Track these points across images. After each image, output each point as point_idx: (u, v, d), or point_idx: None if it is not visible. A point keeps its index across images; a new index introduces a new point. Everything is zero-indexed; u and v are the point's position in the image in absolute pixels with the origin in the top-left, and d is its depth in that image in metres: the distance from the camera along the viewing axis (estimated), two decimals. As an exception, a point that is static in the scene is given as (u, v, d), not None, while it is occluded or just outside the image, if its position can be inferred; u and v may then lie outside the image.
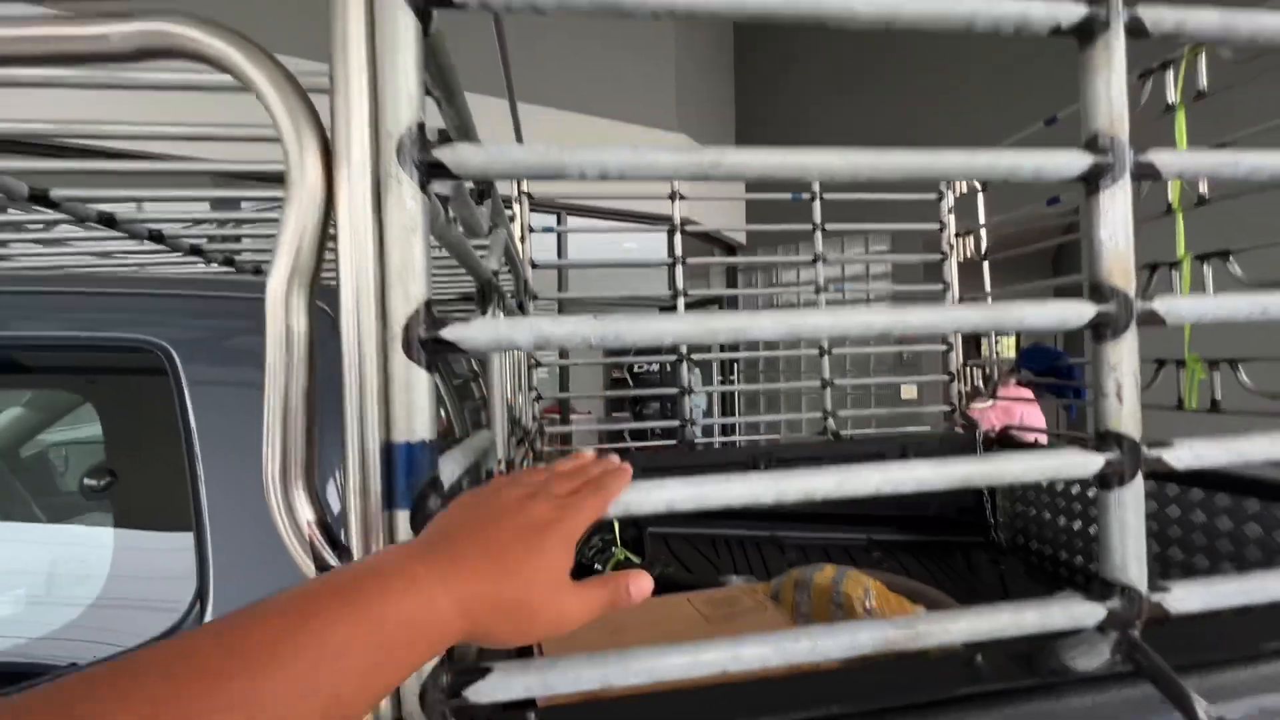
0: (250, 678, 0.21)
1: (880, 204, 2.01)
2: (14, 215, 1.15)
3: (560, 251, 3.21)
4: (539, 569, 0.30)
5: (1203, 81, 1.33)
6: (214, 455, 0.57)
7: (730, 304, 4.53)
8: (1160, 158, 0.44)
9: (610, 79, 3.81)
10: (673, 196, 2.04)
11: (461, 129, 0.55)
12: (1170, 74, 1.36)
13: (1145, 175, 0.44)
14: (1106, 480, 0.42)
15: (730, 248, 4.84)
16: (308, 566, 0.36)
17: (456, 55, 0.46)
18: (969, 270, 2.15)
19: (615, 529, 1.62)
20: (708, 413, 3.78)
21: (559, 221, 3.19)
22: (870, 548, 1.71)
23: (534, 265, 1.93)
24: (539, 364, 1.96)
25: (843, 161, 0.40)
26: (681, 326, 0.44)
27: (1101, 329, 0.43)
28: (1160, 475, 0.44)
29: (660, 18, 0.39)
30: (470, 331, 0.36)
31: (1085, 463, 0.42)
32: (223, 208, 1.64)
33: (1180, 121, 1.35)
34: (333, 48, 0.36)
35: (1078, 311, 0.43)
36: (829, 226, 2.10)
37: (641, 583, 0.33)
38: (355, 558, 0.36)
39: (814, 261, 2.08)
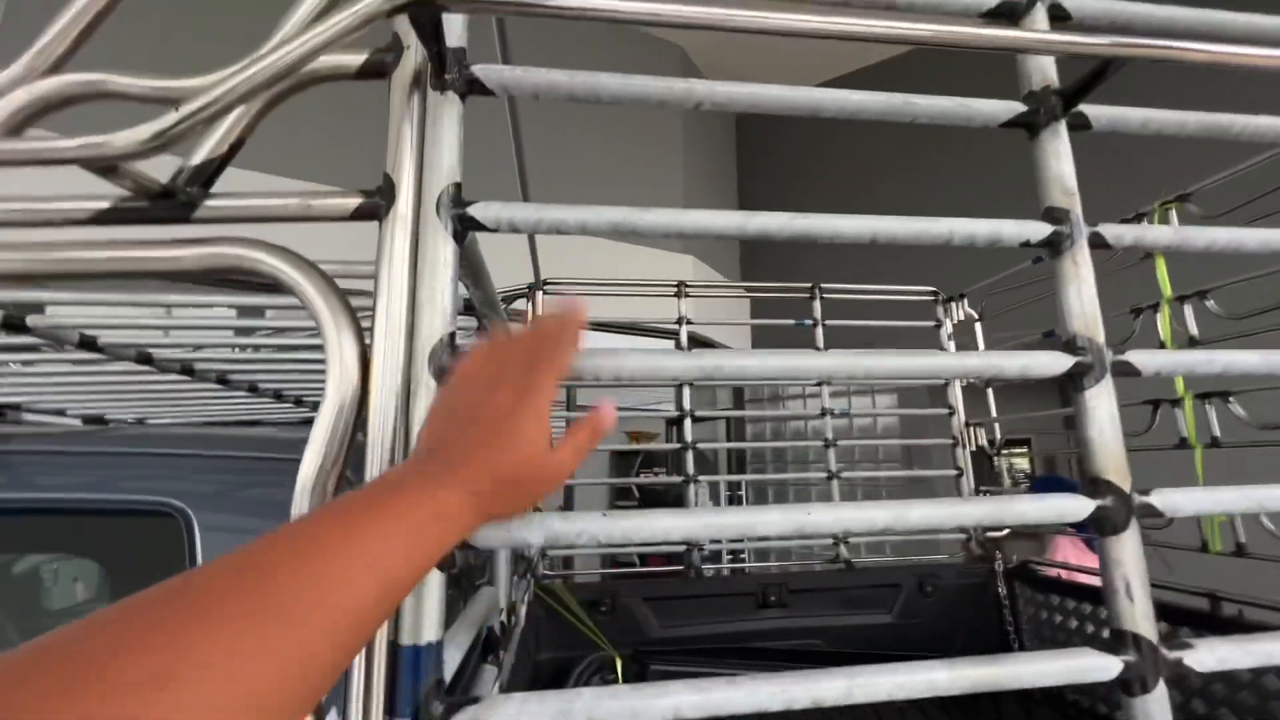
0: (326, 561, 0.26)
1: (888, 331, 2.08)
2: None
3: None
4: (523, 447, 0.34)
5: (1193, 328, 1.41)
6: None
7: (740, 432, 4.55)
8: (1138, 357, 0.47)
9: (622, 205, 4.10)
10: (679, 294, 2.11)
11: (487, 303, 0.60)
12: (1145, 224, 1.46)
13: (1125, 373, 0.47)
14: (1128, 686, 0.41)
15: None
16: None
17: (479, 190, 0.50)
18: (973, 394, 2.18)
19: (618, 668, 1.53)
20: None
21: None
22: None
23: None
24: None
25: (834, 363, 0.43)
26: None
27: (1103, 523, 0.44)
28: (1180, 681, 0.42)
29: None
30: (483, 537, 0.37)
31: (1103, 666, 0.41)
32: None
33: (1161, 268, 1.43)
34: (379, 265, 0.40)
35: (1076, 507, 0.44)
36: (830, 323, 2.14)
37: (605, 411, 0.38)
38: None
39: (822, 415, 2.11)
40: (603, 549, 2.29)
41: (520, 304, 2.02)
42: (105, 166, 0.37)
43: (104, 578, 0.63)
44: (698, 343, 3.75)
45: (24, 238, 0.41)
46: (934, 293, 2.25)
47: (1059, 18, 0.53)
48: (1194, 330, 1.40)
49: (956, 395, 2.12)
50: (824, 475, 2.06)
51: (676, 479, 1.98)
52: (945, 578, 1.87)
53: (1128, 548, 0.43)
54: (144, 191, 0.40)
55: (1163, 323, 1.45)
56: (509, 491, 0.34)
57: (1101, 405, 0.45)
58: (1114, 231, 0.49)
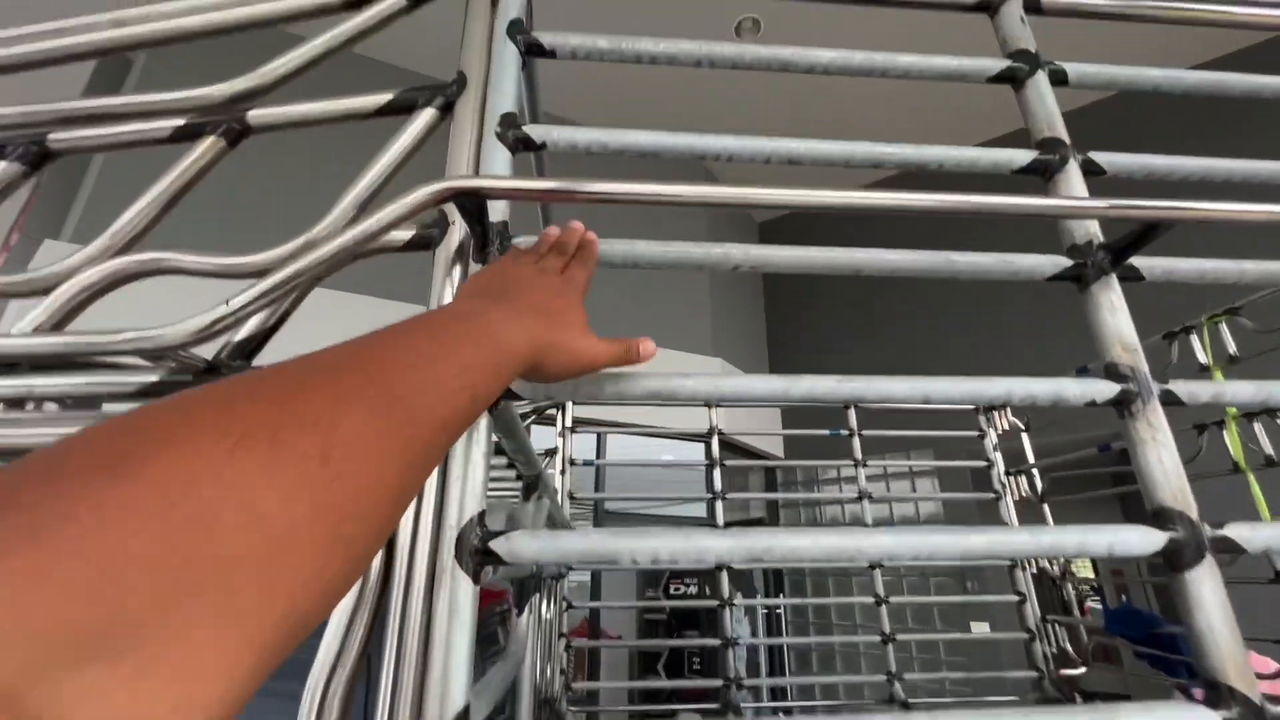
0: (434, 368, 0.26)
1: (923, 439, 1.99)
2: None
3: (598, 475, 3.23)
4: (572, 319, 0.37)
5: (1231, 346, 1.36)
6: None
7: (771, 511, 4.34)
8: (1237, 531, 0.42)
9: (653, 309, 4.20)
10: (710, 403, 2.08)
11: (520, 452, 0.58)
12: (1194, 338, 1.41)
13: (1226, 549, 0.41)
14: None
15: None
16: None
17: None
18: (1027, 508, 2.04)
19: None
20: (754, 654, 3.36)
21: (598, 444, 3.26)
22: None
23: (572, 463, 1.93)
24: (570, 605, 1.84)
25: (893, 541, 0.39)
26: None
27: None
28: None
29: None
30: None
31: None
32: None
33: (1233, 432, 1.35)
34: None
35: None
36: (867, 433, 2.05)
37: (648, 346, 0.40)
38: None
39: (855, 465, 2.02)
40: (631, 684, 2.10)
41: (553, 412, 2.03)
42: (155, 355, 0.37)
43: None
44: (728, 448, 3.67)
45: (76, 413, 0.41)
46: (977, 406, 2.18)
47: (1093, 172, 0.54)
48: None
49: (1010, 514, 1.98)
50: (871, 600, 1.90)
51: (711, 602, 1.85)
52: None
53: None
54: (189, 368, 0.40)
55: (1232, 439, 1.36)
56: (552, 357, 0.36)
57: (1206, 589, 0.39)
58: (1188, 389, 0.45)
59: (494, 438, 0.43)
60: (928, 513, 2.92)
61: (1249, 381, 0.46)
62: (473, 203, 0.39)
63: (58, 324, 0.43)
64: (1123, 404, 0.45)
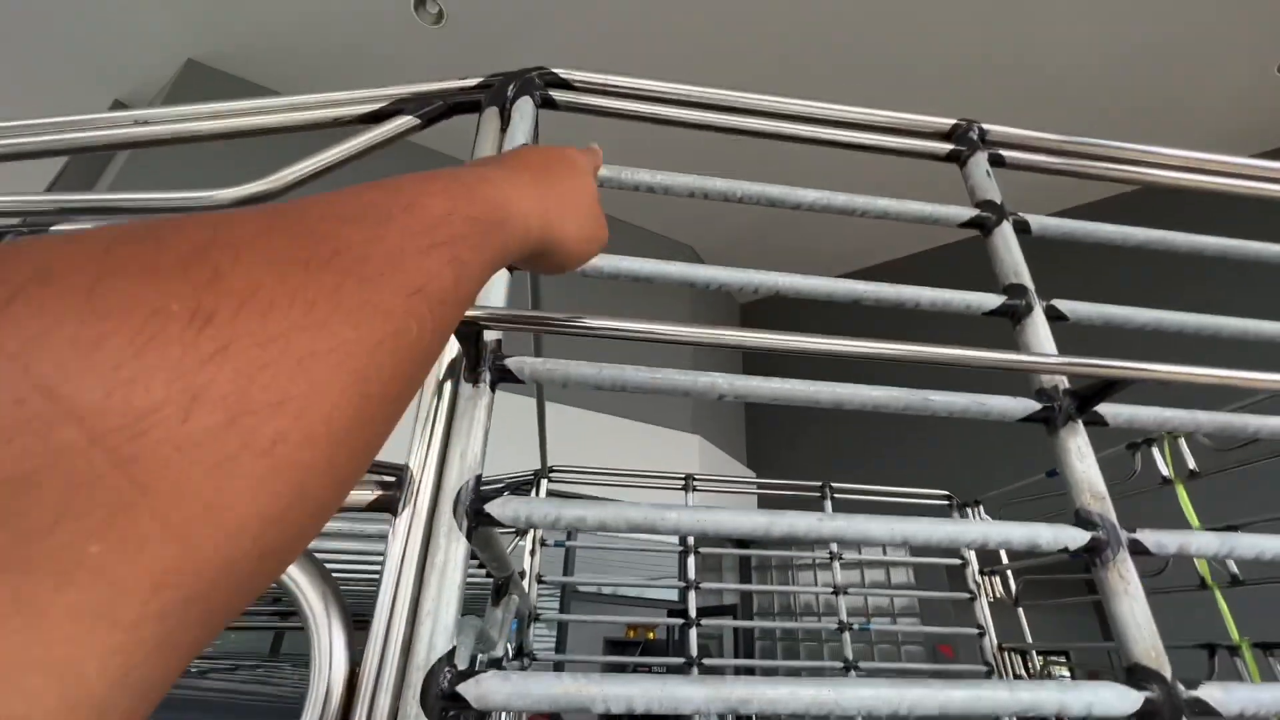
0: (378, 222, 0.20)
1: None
2: None
3: (568, 555, 3.13)
4: (585, 191, 0.35)
5: (1191, 462, 1.41)
6: None
7: (745, 603, 4.21)
8: (1209, 692, 0.42)
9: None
10: (686, 487, 2.05)
11: (501, 568, 0.57)
12: (1156, 450, 1.45)
13: (1202, 713, 0.41)
14: None
15: (744, 548, 4.71)
16: None
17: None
18: (1001, 609, 2.01)
19: None
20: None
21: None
22: None
23: (543, 544, 1.87)
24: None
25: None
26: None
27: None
28: None
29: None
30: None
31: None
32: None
33: (1183, 496, 1.39)
34: (386, 566, 0.38)
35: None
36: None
37: (594, 150, 0.40)
38: None
39: (830, 559, 1.98)
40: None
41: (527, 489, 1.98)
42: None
43: None
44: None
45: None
46: (948, 497, 2.19)
47: (1056, 318, 0.57)
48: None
49: (985, 615, 1.95)
50: (840, 666, 1.83)
51: (678, 659, 1.76)
52: None
53: None
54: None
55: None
56: (562, 227, 0.31)
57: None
58: (1155, 539, 0.47)
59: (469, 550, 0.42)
60: (901, 605, 2.86)
61: (1214, 533, 0.48)
62: (470, 331, 0.40)
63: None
64: (1093, 552, 0.46)
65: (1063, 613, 3.03)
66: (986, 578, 2.03)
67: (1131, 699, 0.40)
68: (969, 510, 2.15)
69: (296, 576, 0.38)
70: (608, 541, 2.20)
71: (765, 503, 3.72)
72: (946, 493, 2.19)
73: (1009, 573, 2.00)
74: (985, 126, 0.67)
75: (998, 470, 1.99)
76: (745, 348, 0.41)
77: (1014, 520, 0.46)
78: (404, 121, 0.58)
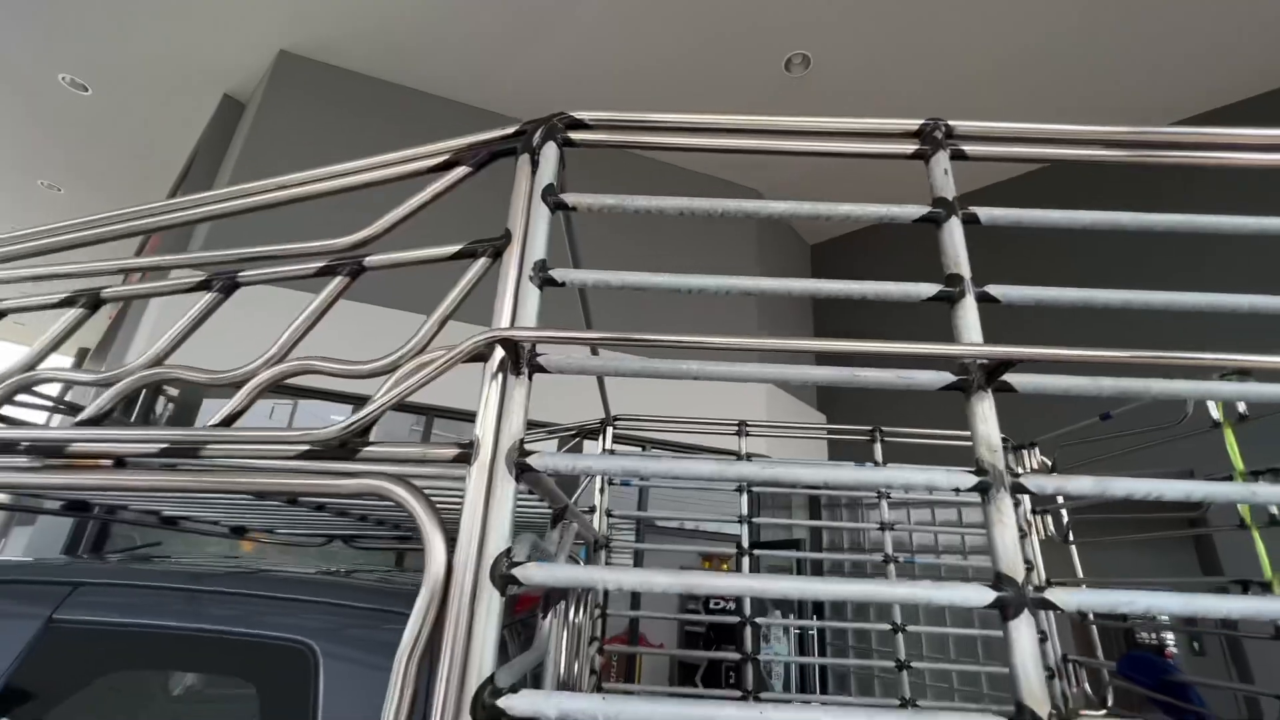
0: None
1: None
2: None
3: (641, 493, 3.42)
4: None
5: (1241, 406, 1.40)
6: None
7: (814, 538, 4.41)
8: (1057, 595, 0.56)
9: (700, 325, 4.37)
10: (740, 433, 2.23)
11: (555, 500, 0.78)
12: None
13: (1045, 607, 0.55)
14: None
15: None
16: None
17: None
18: (1052, 548, 2.07)
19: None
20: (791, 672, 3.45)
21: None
22: None
23: (610, 483, 2.13)
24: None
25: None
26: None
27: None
28: None
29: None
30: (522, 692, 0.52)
31: None
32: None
33: (1229, 439, 1.40)
34: (467, 496, 0.59)
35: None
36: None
37: None
38: None
39: (879, 496, 2.12)
40: (655, 689, 2.27)
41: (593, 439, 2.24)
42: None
43: (252, 698, 0.82)
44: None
45: (259, 462, 0.64)
46: (1004, 439, 2.23)
47: (988, 300, 0.68)
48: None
49: (1035, 551, 2.02)
50: (889, 627, 1.99)
51: (732, 619, 2.00)
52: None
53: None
54: (327, 443, 0.62)
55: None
56: None
57: (1023, 635, 0.54)
58: (1036, 482, 0.60)
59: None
60: (949, 543, 2.93)
61: (1091, 477, 0.60)
62: (513, 345, 0.59)
63: (239, 412, 0.67)
64: (983, 492, 0.59)
65: (1114, 552, 2.98)
66: (1037, 517, 2.08)
67: (988, 595, 0.55)
68: (1024, 453, 2.19)
69: (415, 508, 0.60)
70: (670, 482, 2.43)
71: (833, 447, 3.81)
72: (1003, 435, 2.23)
73: (1062, 512, 2.05)
74: (951, 123, 0.76)
75: (1052, 414, 2.00)
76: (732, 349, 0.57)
77: (1074, 463, 0.61)
78: (460, 171, 0.76)
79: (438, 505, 0.62)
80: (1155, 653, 3.03)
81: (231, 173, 4.11)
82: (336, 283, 0.71)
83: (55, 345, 0.75)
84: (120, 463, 0.68)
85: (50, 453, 0.68)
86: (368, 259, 0.72)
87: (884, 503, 2.14)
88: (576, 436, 2.36)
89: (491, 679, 0.53)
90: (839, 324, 5.66)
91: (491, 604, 0.56)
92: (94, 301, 0.76)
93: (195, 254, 0.74)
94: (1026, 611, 0.55)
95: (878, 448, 2.20)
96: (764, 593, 0.57)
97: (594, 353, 1.65)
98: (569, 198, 0.73)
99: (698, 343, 0.60)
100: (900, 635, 1.97)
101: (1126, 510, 1.99)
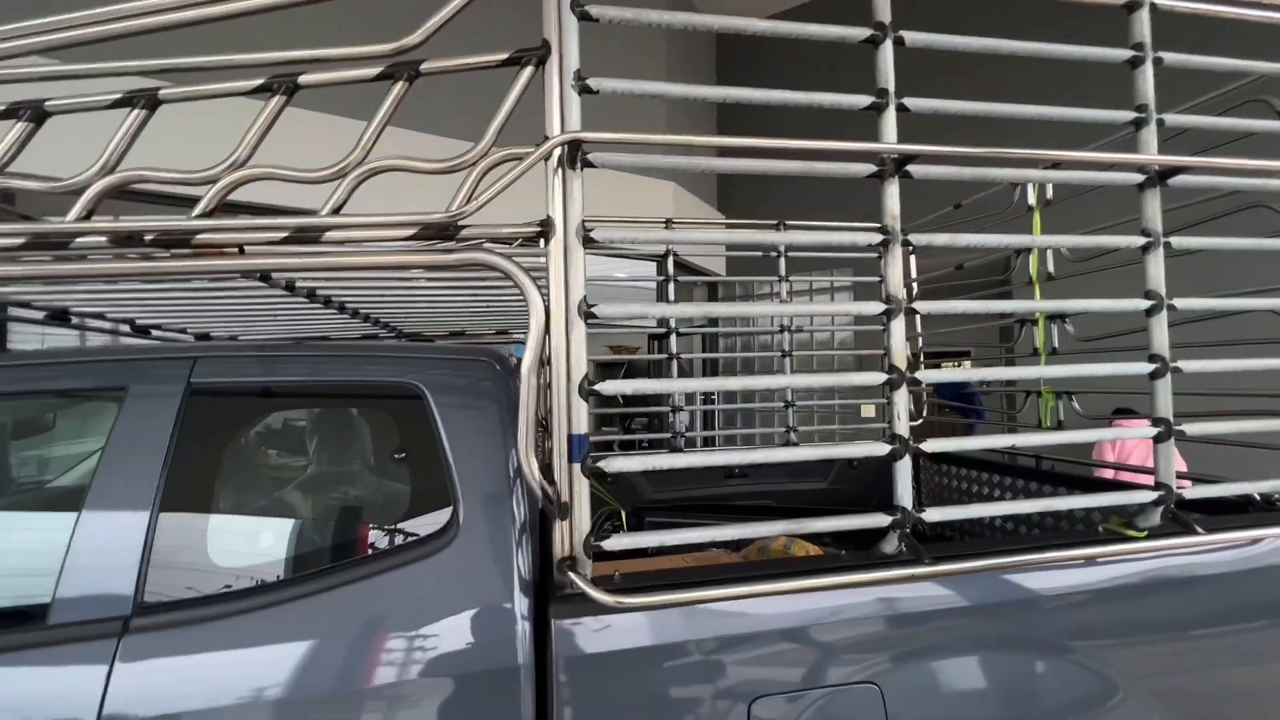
0: None
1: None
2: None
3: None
4: None
5: (1055, 342, 1.86)
6: (458, 450, 0.96)
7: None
8: (921, 304, 0.93)
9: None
10: (667, 226, 2.47)
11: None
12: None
13: (910, 312, 0.93)
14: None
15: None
16: (538, 492, 0.82)
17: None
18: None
19: (623, 518, 2.08)
20: (690, 428, 4.23)
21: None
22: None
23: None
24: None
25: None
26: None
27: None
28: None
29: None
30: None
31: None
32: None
33: (1036, 219, 1.89)
34: (550, 263, 0.83)
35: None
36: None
37: None
38: (560, 488, 0.82)
39: (779, 281, 2.55)
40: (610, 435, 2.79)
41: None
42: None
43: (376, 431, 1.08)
44: (680, 266, 4.13)
45: (371, 246, 0.82)
46: (881, 227, 2.67)
47: (903, 110, 0.95)
48: (1055, 343, 1.88)
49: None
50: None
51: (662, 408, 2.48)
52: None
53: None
54: (435, 224, 0.81)
55: (1039, 334, 1.94)
56: None
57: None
58: (924, 239, 0.93)
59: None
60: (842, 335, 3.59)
61: (974, 234, 0.94)
62: (573, 147, 0.78)
63: (342, 203, 0.82)
64: (885, 246, 0.92)
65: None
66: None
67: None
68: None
69: (513, 271, 0.82)
70: (596, 278, 2.69)
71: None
72: (880, 225, 2.67)
73: (914, 286, 2.61)
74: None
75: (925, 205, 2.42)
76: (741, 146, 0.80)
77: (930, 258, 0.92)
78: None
79: (529, 271, 0.85)
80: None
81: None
82: (399, 89, 0.83)
83: (128, 146, 0.80)
84: (242, 250, 0.82)
85: (176, 244, 0.81)
86: (424, 65, 0.83)
87: (783, 286, 2.55)
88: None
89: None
90: (742, 121, 5.75)
91: (580, 333, 0.83)
92: (152, 102, 0.80)
93: (254, 54, 0.80)
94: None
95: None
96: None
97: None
98: (593, 9, 0.85)
99: (709, 143, 0.83)
100: (790, 410, 2.53)
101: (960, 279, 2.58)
